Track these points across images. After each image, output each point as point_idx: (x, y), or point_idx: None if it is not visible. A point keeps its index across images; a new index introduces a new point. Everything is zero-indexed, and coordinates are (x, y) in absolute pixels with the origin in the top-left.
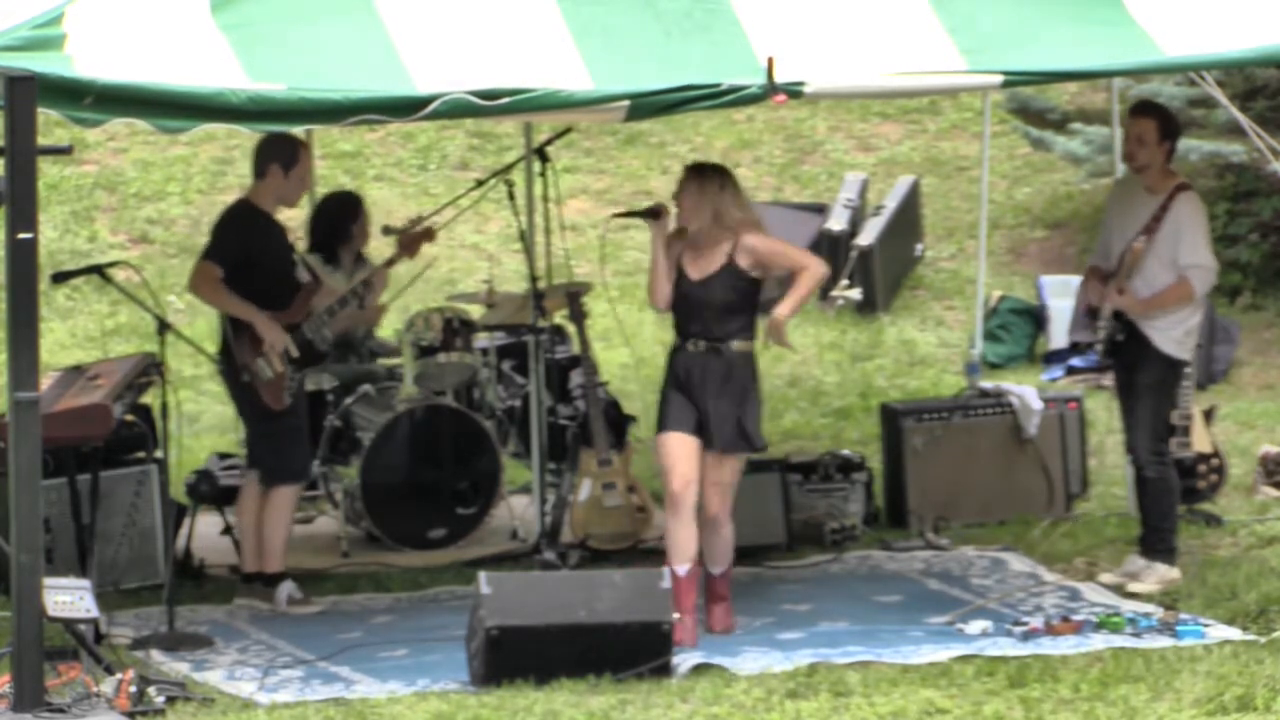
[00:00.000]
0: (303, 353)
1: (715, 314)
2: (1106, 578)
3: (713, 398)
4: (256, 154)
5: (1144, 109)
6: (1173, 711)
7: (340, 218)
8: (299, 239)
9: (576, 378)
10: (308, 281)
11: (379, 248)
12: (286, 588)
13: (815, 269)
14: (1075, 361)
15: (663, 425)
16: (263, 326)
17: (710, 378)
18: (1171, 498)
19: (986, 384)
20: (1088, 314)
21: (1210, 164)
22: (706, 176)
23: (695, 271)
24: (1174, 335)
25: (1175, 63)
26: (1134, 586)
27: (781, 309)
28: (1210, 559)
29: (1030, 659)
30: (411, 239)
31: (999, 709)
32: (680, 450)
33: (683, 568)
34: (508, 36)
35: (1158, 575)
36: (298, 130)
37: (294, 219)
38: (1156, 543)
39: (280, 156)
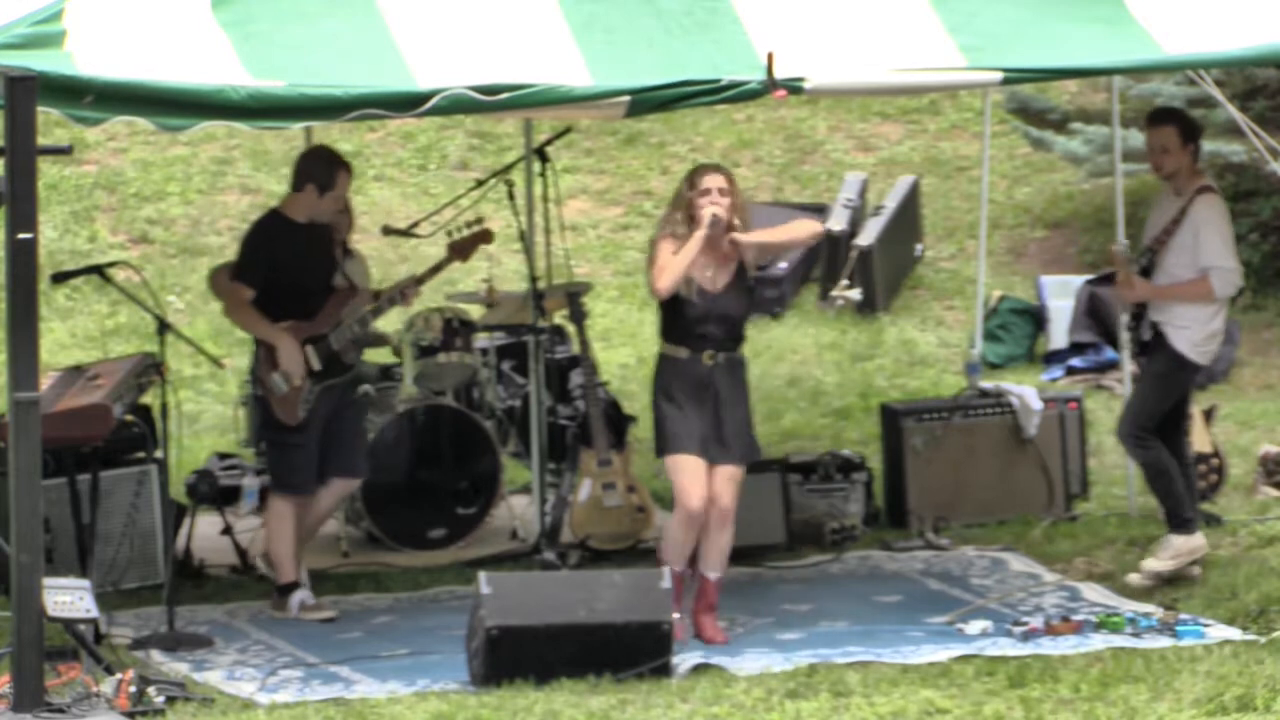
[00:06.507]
0: (327, 363)
1: (734, 325)
2: (1150, 563)
3: (730, 408)
4: (297, 166)
5: (1162, 117)
6: (1173, 711)
7: None
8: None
9: (576, 378)
10: (341, 288)
11: (379, 248)
12: (298, 596)
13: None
14: (1075, 362)
15: (674, 446)
16: (284, 350)
17: (726, 390)
18: (1164, 479)
19: (986, 384)
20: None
21: (1210, 164)
22: (730, 179)
23: (711, 283)
24: (1191, 335)
25: (1175, 61)
26: (1150, 564)
27: (751, 235)
28: (1210, 559)
29: (1030, 659)
30: (464, 242)
31: (999, 709)
32: (696, 472)
33: (679, 566)
34: (508, 33)
35: (1173, 549)
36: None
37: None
38: (1168, 517)
39: (317, 178)
